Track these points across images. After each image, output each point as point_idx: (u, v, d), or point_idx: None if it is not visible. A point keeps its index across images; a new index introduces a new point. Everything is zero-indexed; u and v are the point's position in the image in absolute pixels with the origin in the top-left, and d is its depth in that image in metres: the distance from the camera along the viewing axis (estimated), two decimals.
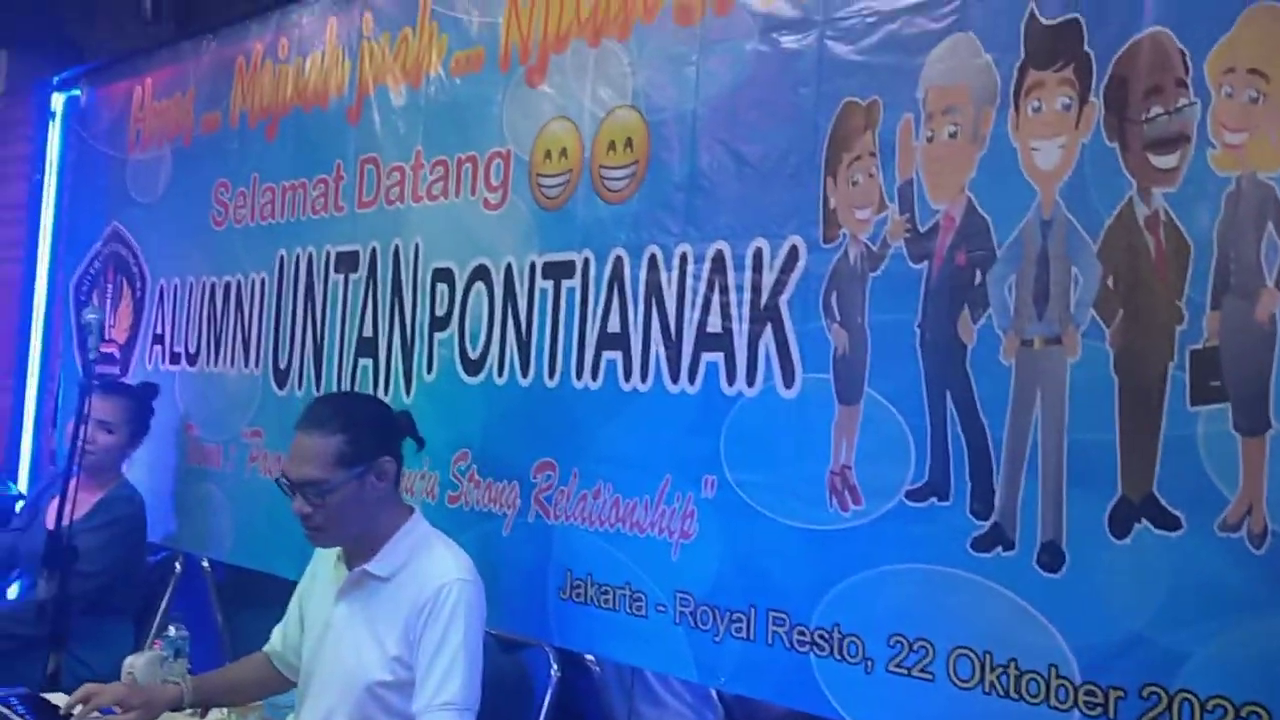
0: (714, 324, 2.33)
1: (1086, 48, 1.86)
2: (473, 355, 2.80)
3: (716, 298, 2.33)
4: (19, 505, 4.22)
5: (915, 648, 2.01)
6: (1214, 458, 1.71)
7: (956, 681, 1.96)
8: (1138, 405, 1.78)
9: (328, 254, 3.24)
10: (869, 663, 2.07)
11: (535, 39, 2.73)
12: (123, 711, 2.27)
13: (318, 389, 3.23)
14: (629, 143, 2.51)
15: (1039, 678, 1.87)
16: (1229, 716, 1.67)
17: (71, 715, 2.26)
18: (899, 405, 2.06)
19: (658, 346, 2.42)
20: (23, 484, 4.37)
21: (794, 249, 2.22)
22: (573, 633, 2.56)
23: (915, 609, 2.02)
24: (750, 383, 2.27)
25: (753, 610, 2.24)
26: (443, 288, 2.89)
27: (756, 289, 2.27)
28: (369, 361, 3.09)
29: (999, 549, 1.92)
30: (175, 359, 3.77)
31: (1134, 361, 1.79)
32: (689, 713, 2.80)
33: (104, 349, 3.52)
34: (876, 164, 2.11)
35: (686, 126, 2.41)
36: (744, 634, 2.25)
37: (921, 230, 2.05)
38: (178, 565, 3.61)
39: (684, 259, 2.39)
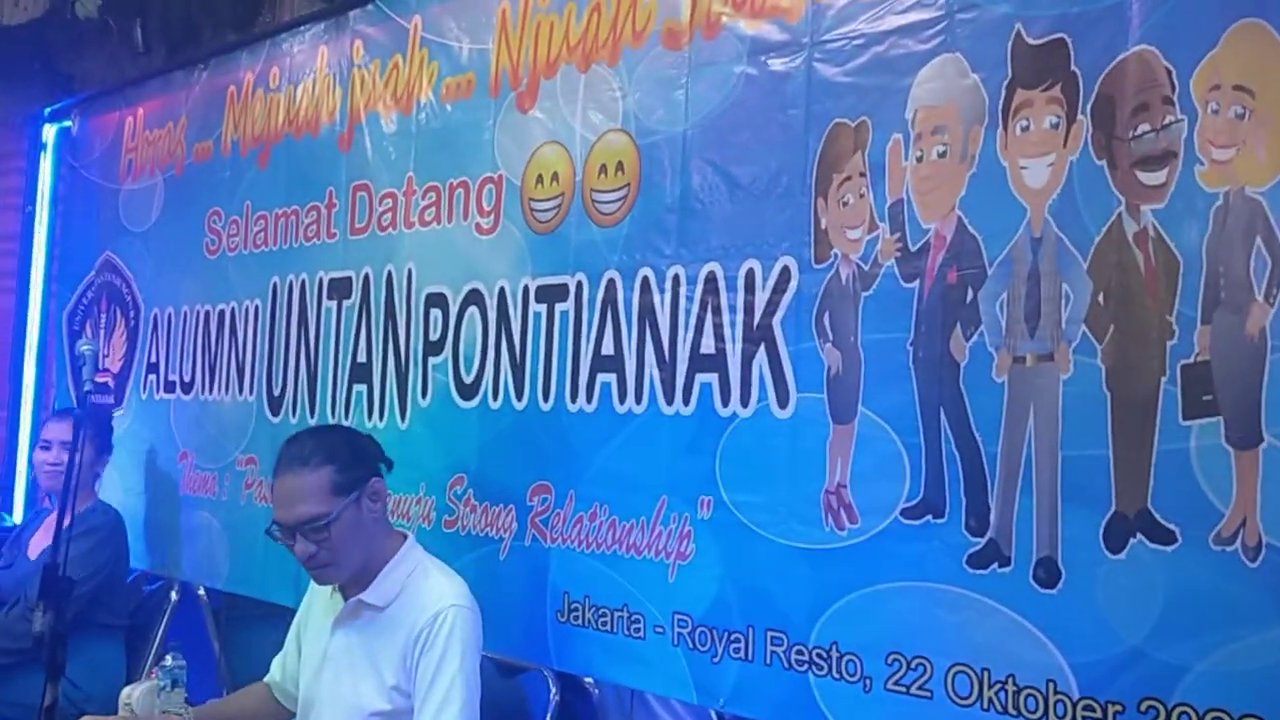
0: (708, 345, 2.34)
1: (1073, 66, 1.88)
2: (467, 380, 2.81)
3: (710, 319, 2.34)
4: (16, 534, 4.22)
5: (913, 665, 2.01)
6: (1207, 471, 1.72)
7: (955, 699, 1.96)
8: (1130, 420, 1.79)
9: (321, 280, 3.25)
10: (867, 681, 2.07)
11: (525, 65, 2.74)
12: None
13: (312, 416, 3.23)
14: (620, 166, 2.53)
15: (1037, 694, 1.87)
16: None
17: None
18: (893, 424, 2.07)
19: (652, 368, 2.43)
20: (18, 515, 4.36)
21: (786, 269, 2.23)
22: (571, 656, 2.56)
23: (913, 627, 2.02)
24: (745, 403, 2.28)
25: (751, 630, 2.24)
26: (436, 313, 2.90)
27: (749, 309, 2.28)
28: (363, 387, 3.09)
29: (995, 565, 1.93)
30: (170, 387, 3.77)
31: (1126, 377, 1.80)
32: None
33: (98, 379, 3.52)
34: (867, 184, 2.13)
35: (677, 149, 2.43)
36: (742, 654, 2.25)
37: (912, 249, 2.06)
38: (174, 594, 3.61)
39: (677, 280, 2.40)
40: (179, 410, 3.73)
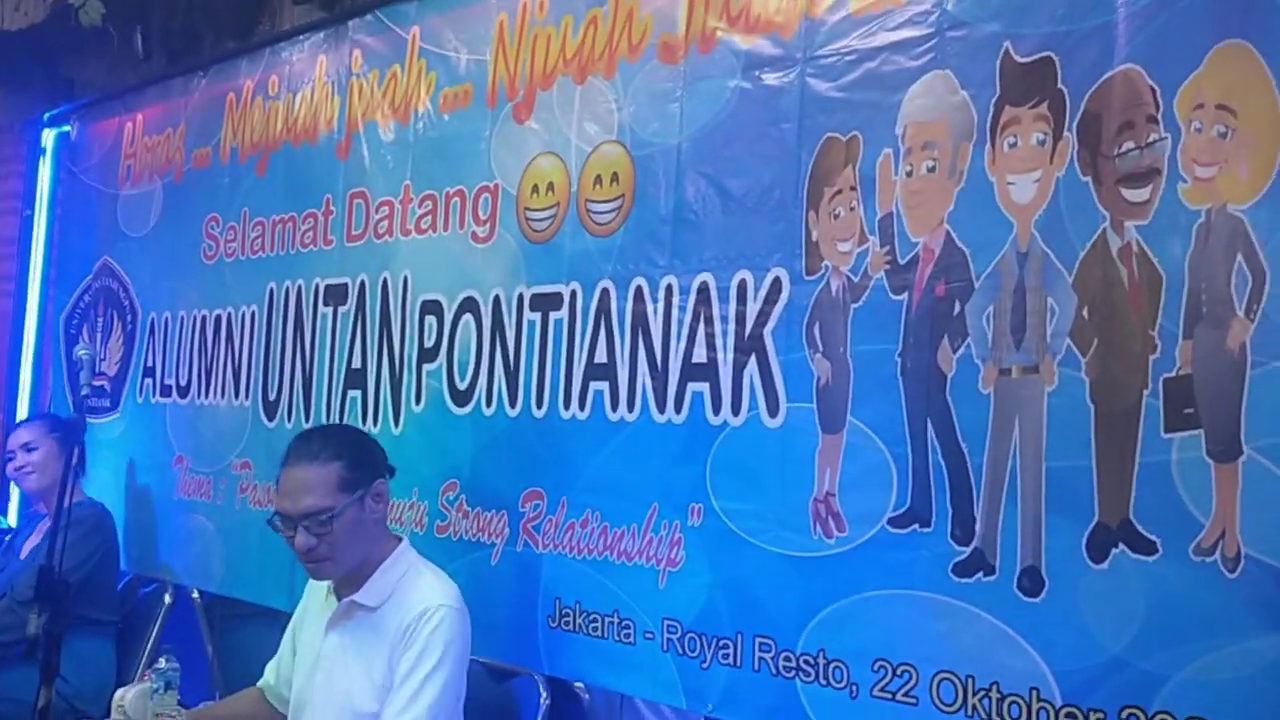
0: (699, 354, 2.36)
1: (1060, 85, 1.91)
2: (461, 386, 2.83)
3: (702, 328, 2.36)
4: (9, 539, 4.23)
5: (899, 672, 2.04)
6: (1188, 483, 1.75)
7: (940, 705, 1.98)
8: (1113, 432, 1.82)
9: (317, 287, 3.27)
10: (854, 688, 2.10)
11: (522, 76, 2.77)
12: None
13: (307, 420, 3.25)
14: (615, 177, 2.56)
15: (1021, 701, 1.89)
16: None
17: None
18: (881, 434, 2.09)
19: (644, 377, 2.45)
20: (12, 518, 4.37)
21: (777, 280, 2.26)
22: (562, 661, 2.58)
23: (899, 634, 2.05)
24: (735, 412, 2.30)
25: (739, 637, 2.26)
26: (431, 319, 2.93)
27: (741, 320, 2.30)
28: (358, 393, 3.12)
29: (980, 574, 1.95)
30: (166, 391, 3.78)
31: (1109, 389, 1.83)
32: None
33: (94, 382, 3.54)
34: (857, 198, 2.16)
35: (671, 161, 2.45)
36: (731, 660, 2.27)
37: (901, 262, 2.09)
38: (167, 597, 3.62)
39: (670, 290, 2.43)
40: (175, 414, 3.75)
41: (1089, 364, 1.85)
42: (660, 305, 2.44)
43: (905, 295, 2.08)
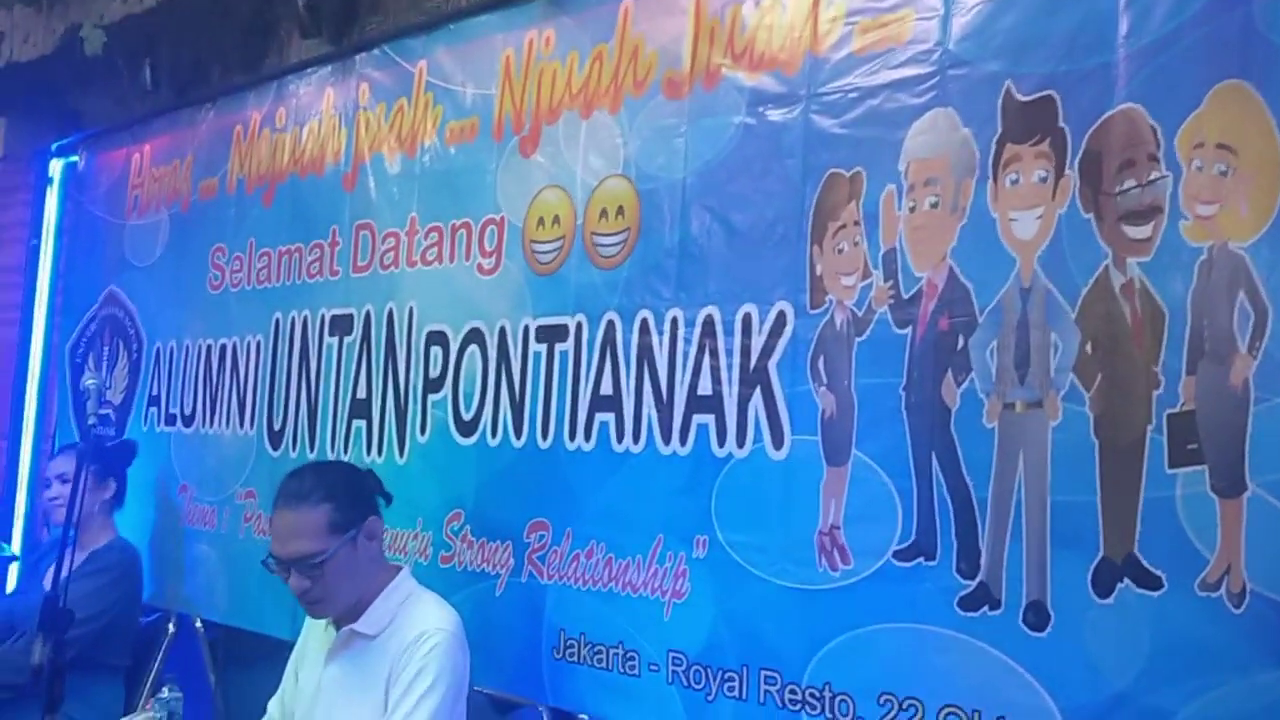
0: (705, 387, 2.38)
1: (1061, 123, 1.94)
2: (466, 417, 2.84)
3: (707, 361, 2.38)
4: (12, 567, 4.23)
5: (905, 706, 2.04)
6: (1193, 519, 1.76)
7: None
8: (1118, 467, 1.83)
9: (323, 317, 3.29)
10: None
11: (528, 110, 2.80)
12: None
13: (311, 450, 3.26)
14: (620, 210, 2.58)
15: None
16: None
17: None
18: (885, 467, 2.10)
19: (649, 409, 2.47)
20: (16, 546, 4.37)
21: (782, 314, 2.27)
22: (566, 692, 2.58)
23: (904, 668, 2.05)
24: (740, 444, 2.31)
25: (745, 669, 2.27)
26: (436, 350, 2.94)
27: (746, 353, 2.32)
28: (362, 423, 3.13)
29: (985, 608, 1.96)
30: (171, 420, 3.79)
31: (1113, 425, 1.84)
32: None
33: (100, 411, 3.55)
34: (861, 233, 2.18)
35: (677, 195, 2.48)
36: (736, 693, 2.27)
37: (905, 297, 2.10)
38: (171, 626, 3.62)
39: (675, 323, 2.44)
40: (179, 443, 3.76)
41: (1093, 399, 1.86)
42: (665, 338, 2.45)
43: (909, 329, 2.09)
